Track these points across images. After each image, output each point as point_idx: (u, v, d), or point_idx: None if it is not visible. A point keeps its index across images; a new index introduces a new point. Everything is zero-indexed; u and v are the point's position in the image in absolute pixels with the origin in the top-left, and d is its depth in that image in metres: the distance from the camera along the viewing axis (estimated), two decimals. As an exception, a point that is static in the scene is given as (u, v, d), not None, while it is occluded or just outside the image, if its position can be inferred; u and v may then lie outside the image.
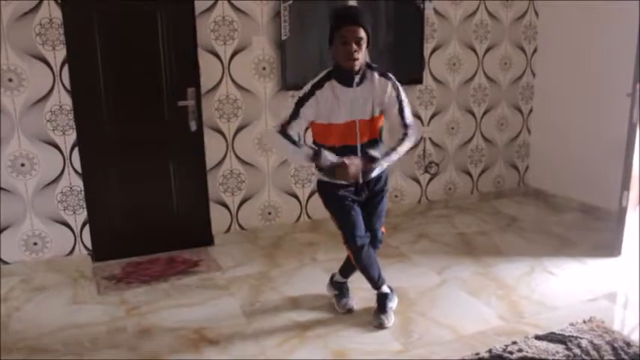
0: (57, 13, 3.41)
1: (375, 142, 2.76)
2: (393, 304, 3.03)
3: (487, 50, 4.78)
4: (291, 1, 3.87)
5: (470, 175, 5.02)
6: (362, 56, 2.57)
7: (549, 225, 4.43)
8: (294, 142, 2.64)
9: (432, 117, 4.68)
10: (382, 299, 3.00)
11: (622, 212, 3.68)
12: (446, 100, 4.71)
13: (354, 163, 2.60)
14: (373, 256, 2.93)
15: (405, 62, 4.42)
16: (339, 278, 3.18)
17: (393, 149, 2.71)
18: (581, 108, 4.60)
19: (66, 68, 3.49)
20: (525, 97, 5.08)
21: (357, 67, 2.59)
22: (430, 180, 4.83)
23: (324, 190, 2.85)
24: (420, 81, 4.51)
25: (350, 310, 3.07)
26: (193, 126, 3.83)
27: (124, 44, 3.61)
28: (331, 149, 2.67)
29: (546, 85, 4.97)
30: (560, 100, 4.82)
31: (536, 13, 4.90)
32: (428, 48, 4.51)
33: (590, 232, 4.22)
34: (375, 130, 2.75)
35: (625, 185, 3.65)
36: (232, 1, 3.81)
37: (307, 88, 2.66)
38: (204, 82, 3.83)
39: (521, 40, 4.91)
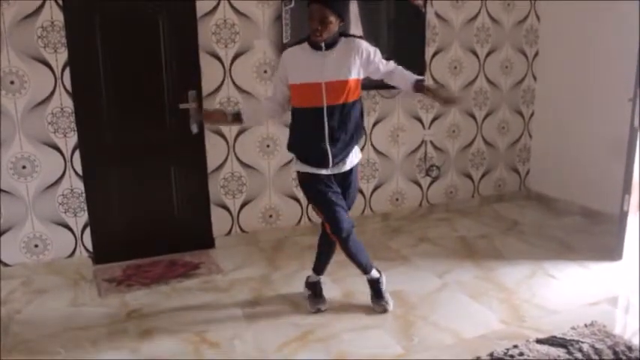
0: (59, 16, 3.42)
1: (343, 107, 2.79)
2: (385, 285, 3.15)
3: (488, 54, 4.79)
4: (292, 5, 3.88)
5: (471, 178, 5.02)
6: (327, 33, 2.70)
7: (550, 229, 4.42)
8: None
9: (433, 120, 4.68)
10: (375, 285, 3.12)
11: (623, 216, 3.68)
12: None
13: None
14: (359, 242, 3.02)
15: (407, 65, 4.40)
16: (313, 278, 3.23)
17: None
18: (582, 112, 4.61)
19: (67, 71, 3.50)
20: (526, 101, 5.08)
21: (320, 42, 2.73)
22: (431, 183, 4.83)
23: (305, 181, 2.92)
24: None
25: (319, 310, 3.09)
26: (195, 129, 3.82)
27: (126, 47, 3.61)
28: (302, 111, 2.82)
29: (547, 89, 4.97)
30: (561, 104, 4.82)
31: (538, 17, 4.91)
32: (429, 51, 4.52)
33: (591, 236, 4.21)
34: (346, 94, 2.78)
35: (626, 189, 3.65)
36: (234, 4, 3.82)
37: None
38: (205, 85, 3.84)
39: (523, 44, 4.92)
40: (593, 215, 4.53)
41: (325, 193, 2.86)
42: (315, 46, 2.75)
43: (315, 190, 2.89)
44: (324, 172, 2.86)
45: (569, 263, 3.73)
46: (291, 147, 2.96)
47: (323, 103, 2.75)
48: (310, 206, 3.02)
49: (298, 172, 2.96)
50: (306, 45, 2.79)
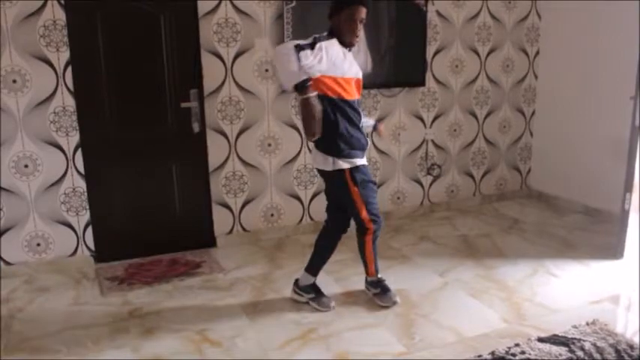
0: (61, 15, 3.42)
1: (359, 104, 3.03)
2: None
3: (489, 52, 4.79)
4: (293, 3, 3.88)
5: (472, 177, 5.02)
6: (361, 32, 2.91)
7: (552, 227, 4.42)
8: (298, 63, 2.69)
9: (435, 119, 4.69)
10: (382, 283, 3.19)
11: (625, 215, 3.68)
12: (448, 103, 4.71)
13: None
14: None
15: (408, 64, 4.43)
16: (308, 279, 3.18)
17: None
18: (584, 110, 4.60)
19: (69, 70, 3.50)
20: (528, 100, 5.08)
21: (356, 42, 2.92)
22: (432, 182, 4.83)
23: (355, 175, 2.93)
24: (422, 83, 4.52)
25: (332, 307, 3.09)
26: (196, 127, 3.83)
27: (127, 46, 3.62)
28: (343, 102, 2.88)
29: (548, 88, 4.97)
30: (563, 103, 4.82)
31: (539, 15, 4.90)
32: (430, 50, 4.52)
33: (592, 235, 4.21)
34: (360, 91, 3.03)
35: (628, 188, 3.65)
36: (235, 4, 3.82)
37: (313, 39, 2.78)
38: (207, 84, 3.84)
39: (524, 43, 4.92)
40: (595, 214, 4.53)
41: (373, 183, 3.02)
42: (345, 45, 2.90)
43: (365, 181, 2.96)
44: (364, 161, 2.99)
45: (570, 262, 3.73)
46: (334, 139, 2.88)
47: (356, 96, 2.97)
48: (353, 200, 2.95)
49: (345, 170, 2.90)
50: (335, 42, 2.87)
